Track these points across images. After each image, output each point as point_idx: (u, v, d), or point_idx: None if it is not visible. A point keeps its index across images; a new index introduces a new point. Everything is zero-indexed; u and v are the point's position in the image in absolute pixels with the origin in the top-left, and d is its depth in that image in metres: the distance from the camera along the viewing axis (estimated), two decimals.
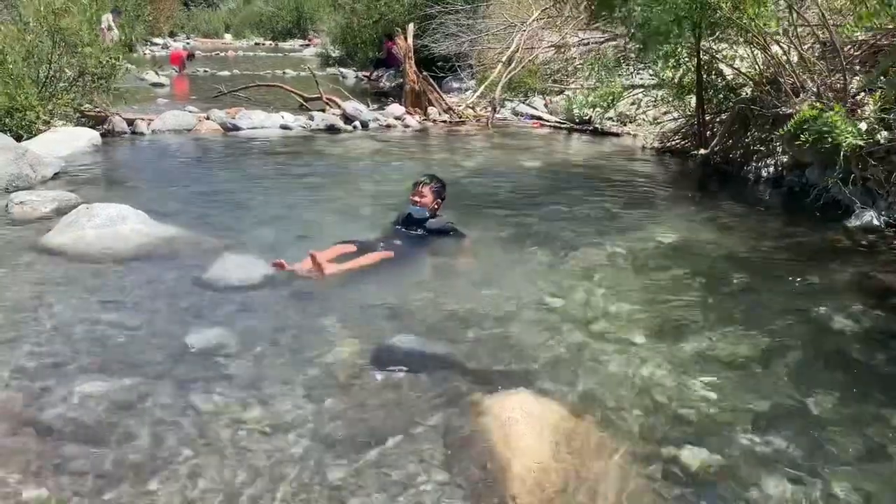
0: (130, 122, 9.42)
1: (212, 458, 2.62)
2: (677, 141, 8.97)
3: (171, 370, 3.20)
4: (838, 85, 6.21)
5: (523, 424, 2.77)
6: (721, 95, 7.94)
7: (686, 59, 7.84)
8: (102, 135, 8.68)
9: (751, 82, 7.49)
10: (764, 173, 7.48)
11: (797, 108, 6.10)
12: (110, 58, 9.07)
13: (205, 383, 3.10)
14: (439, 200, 5.14)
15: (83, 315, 3.73)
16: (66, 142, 7.89)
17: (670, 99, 8.68)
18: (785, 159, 7.24)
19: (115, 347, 3.40)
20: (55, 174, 6.68)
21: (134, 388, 3.04)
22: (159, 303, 3.95)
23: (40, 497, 2.38)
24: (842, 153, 5.54)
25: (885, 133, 5.67)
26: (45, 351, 3.31)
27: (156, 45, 27.97)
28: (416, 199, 5.04)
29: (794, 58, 6.75)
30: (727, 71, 7.90)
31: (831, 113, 5.47)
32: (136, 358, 3.30)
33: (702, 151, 7.83)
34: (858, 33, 6.28)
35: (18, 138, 7.30)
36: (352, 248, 4.59)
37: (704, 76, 7.74)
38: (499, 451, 2.63)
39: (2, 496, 2.37)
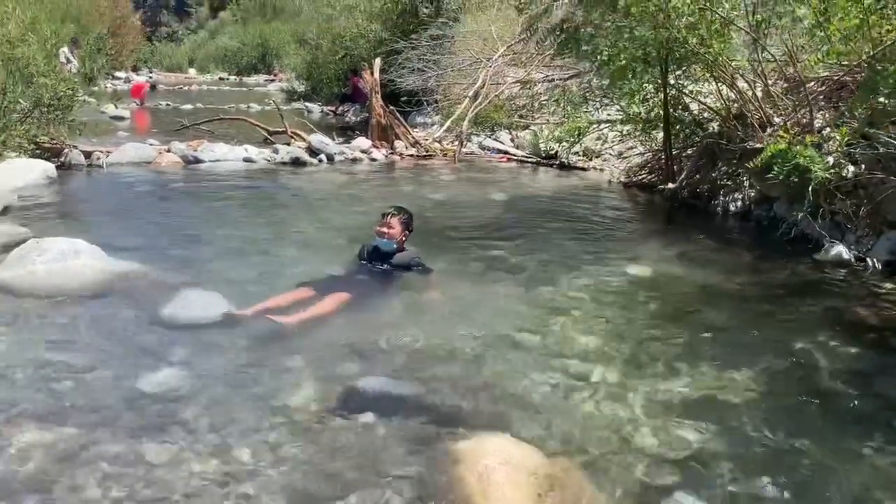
0: (88, 155, 9.15)
1: None
2: (644, 175, 8.99)
3: (122, 416, 2.98)
4: (804, 120, 6.26)
5: (501, 473, 2.60)
6: (688, 130, 7.98)
7: (653, 93, 7.88)
8: (58, 167, 8.40)
9: (717, 117, 7.54)
10: (732, 207, 7.50)
11: (765, 142, 6.12)
12: (68, 89, 8.82)
13: (158, 431, 2.88)
14: (406, 233, 4.99)
15: (28, 356, 3.48)
16: (18, 174, 7.59)
17: (637, 133, 8.72)
18: (752, 193, 7.27)
19: (62, 392, 3.16)
20: (5, 208, 6.39)
21: (81, 437, 2.81)
22: (112, 342, 3.72)
23: None
24: (810, 187, 5.55)
25: (851, 167, 5.71)
26: None
27: (118, 78, 27.60)
28: (385, 230, 4.88)
29: (760, 93, 6.81)
30: (694, 106, 7.96)
31: (800, 147, 5.49)
32: (84, 403, 3.06)
33: (669, 185, 7.83)
34: (821, 70, 6.36)
35: None
36: (310, 292, 4.37)
37: (671, 111, 7.78)
38: (475, 502, 2.45)
39: None
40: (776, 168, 5.64)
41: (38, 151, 8.75)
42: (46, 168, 8.06)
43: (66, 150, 8.99)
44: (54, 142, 9.01)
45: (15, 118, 8.48)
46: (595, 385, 3.52)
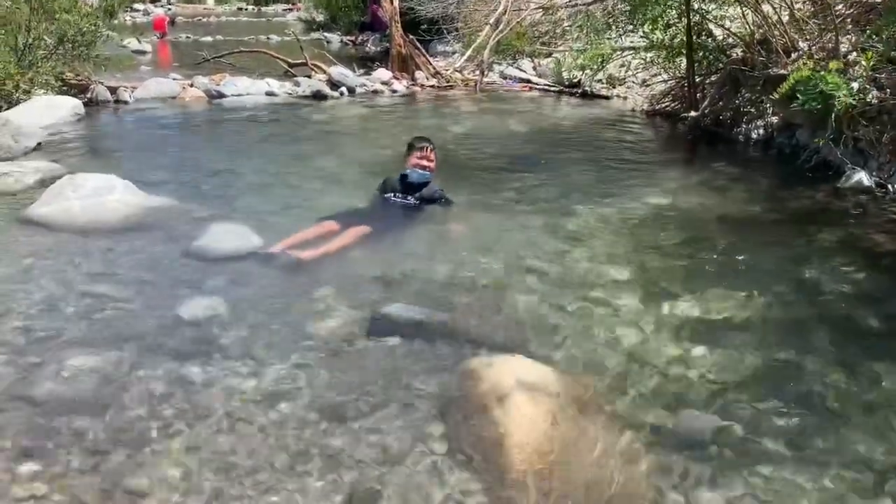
0: (113, 91, 9.26)
1: (206, 430, 2.60)
2: (667, 103, 8.91)
3: (163, 342, 3.17)
4: (830, 45, 6.16)
5: (520, 392, 2.75)
6: (711, 57, 7.87)
7: (676, 19, 7.75)
8: (85, 103, 8.53)
9: (741, 43, 7.42)
10: (754, 135, 7.46)
11: (789, 68, 6.05)
12: (91, 24, 8.85)
13: (197, 354, 3.07)
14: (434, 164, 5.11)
15: (71, 288, 3.67)
16: (47, 111, 7.74)
17: (660, 61, 8.60)
18: (775, 120, 7.21)
19: (105, 320, 3.36)
20: (38, 144, 6.55)
21: (125, 361, 3.00)
22: (149, 274, 3.90)
23: (34, 472, 2.35)
24: (833, 114, 5.51)
25: (876, 93, 5.64)
26: (34, 325, 3.26)
27: (137, 11, 27.40)
28: (425, 163, 4.99)
29: (786, 17, 6.68)
30: (717, 32, 7.82)
31: (824, 74, 5.42)
32: (127, 330, 3.26)
33: (692, 114, 7.77)
34: None
35: None
36: (333, 226, 4.46)
37: (694, 37, 7.65)
38: (496, 419, 2.61)
39: None
40: (799, 95, 5.60)
41: (64, 88, 8.87)
42: (74, 105, 8.19)
43: (92, 87, 9.09)
44: (80, 78, 9.11)
45: (41, 55, 8.57)
46: (614, 310, 3.64)
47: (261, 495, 2.30)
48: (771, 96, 6.04)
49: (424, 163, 4.96)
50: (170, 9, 30.27)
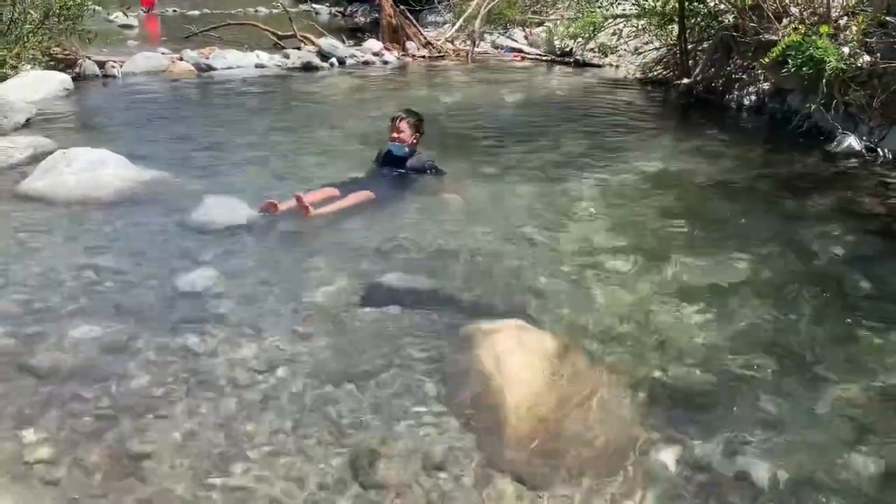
0: (102, 65, 9.18)
1: (208, 396, 2.64)
2: (659, 71, 8.91)
3: (162, 313, 3.20)
4: (821, 9, 6.15)
5: (516, 355, 2.80)
6: (703, 23, 7.85)
7: None
8: (73, 78, 8.46)
9: (733, 9, 7.39)
10: (746, 101, 7.48)
11: (780, 34, 6.05)
12: None
13: (196, 324, 3.10)
14: (417, 135, 5.06)
15: (69, 261, 3.68)
16: (36, 86, 7.67)
17: (652, 28, 8.57)
18: (766, 86, 7.22)
19: (104, 292, 3.38)
20: (27, 120, 6.51)
21: (126, 331, 3.03)
22: (145, 246, 3.92)
23: (39, 439, 2.39)
24: (824, 79, 5.53)
25: (866, 57, 5.66)
26: (33, 297, 3.27)
27: None
28: (395, 135, 4.98)
29: None
30: None
31: (815, 38, 5.43)
32: (126, 302, 3.28)
33: (684, 81, 7.77)
34: None
35: None
36: (334, 191, 4.54)
37: (686, 4, 7.63)
38: (493, 382, 2.66)
39: (2, 438, 2.38)
40: (790, 60, 5.61)
41: (52, 63, 8.79)
42: (63, 79, 8.12)
43: (79, 61, 9.01)
44: (67, 53, 9.01)
45: (27, 30, 8.47)
46: (608, 275, 3.69)
47: (263, 458, 2.34)
48: (762, 62, 6.04)
49: (394, 134, 4.97)
50: None
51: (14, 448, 2.33)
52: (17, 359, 2.80)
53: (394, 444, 2.44)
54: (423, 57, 11.33)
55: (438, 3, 13.85)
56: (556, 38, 10.52)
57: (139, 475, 2.26)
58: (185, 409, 2.56)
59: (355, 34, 13.48)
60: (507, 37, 12.23)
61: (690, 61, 8.00)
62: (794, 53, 5.55)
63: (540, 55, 11.29)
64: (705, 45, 7.98)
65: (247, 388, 2.69)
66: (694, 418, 2.60)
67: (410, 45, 11.60)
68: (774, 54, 5.66)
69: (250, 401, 2.62)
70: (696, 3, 7.81)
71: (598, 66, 10.47)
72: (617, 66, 10.22)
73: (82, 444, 2.36)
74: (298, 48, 10.99)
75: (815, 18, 6.09)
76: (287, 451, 2.38)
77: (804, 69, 5.57)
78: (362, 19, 17.27)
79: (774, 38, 6.09)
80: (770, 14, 6.40)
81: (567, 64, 10.66)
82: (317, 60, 10.41)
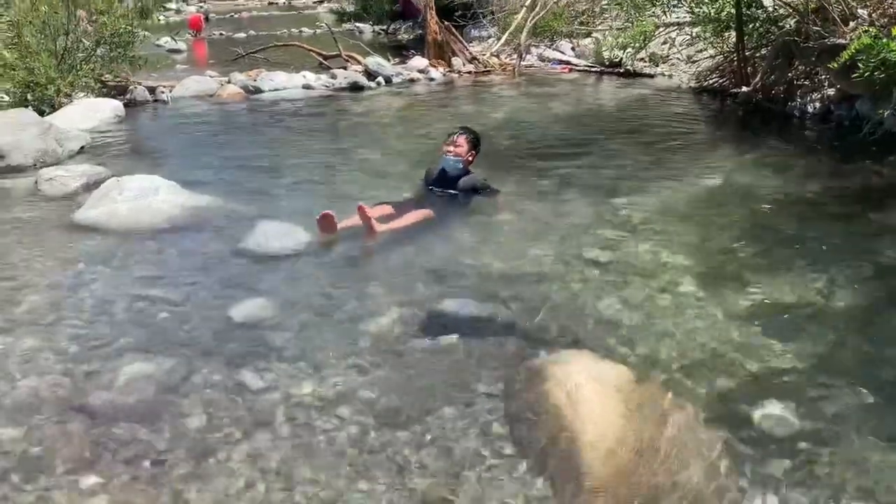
0: (152, 91, 9.29)
1: (266, 437, 2.52)
2: (715, 79, 8.63)
3: (217, 346, 3.10)
4: (892, 10, 5.85)
5: (589, 389, 2.62)
6: (762, 29, 7.56)
7: None
8: (125, 104, 8.56)
9: (794, 13, 7.10)
10: (810, 108, 7.17)
11: (848, 37, 5.76)
12: (127, 24, 8.86)
13: (252, 358, 2.99)
14: (473, 153, 4.93)
15: (122, 292, 3.62)
16: (89, 114, 7.77)
17: (707, 35, 8.31)
18: (832, 92, 6.90)
19: (158, 324, 3.30)
20: (81, 147, 6.57)
21: (181, 367, 2.93)
22: (198, 275, 3.85)
23: (96, 484, 2.29)
24: None
25: None
26: (87, 332, 3.21)
27: (169, 10, 27.65)
28: (451, 148, 4.83)
29: None
30: (768, 2, 7.51)
31: (888, 41, 5.14)
32: (181, 335, 3.20)
33: (743, 89, 7.49)
34: None
35: (41, 113, 7.19)
36: (389, 209, 4.43)
37: (744, 9, 7.36)
38: (566, 419, 2.48)
39: (56, 485, 2.29)
40: (861, 65, 5.32)
41: (104, 90, 8.92)
42: (115, 106, 8.22)
43: (130, 87, 9.13)
44: (119, 79, 9.14)
45: (80, 58, 8.61)
46: (675, 299, 3.49)
47: None
48: (829, 66, 5.75)
49: (451, 148, 4.83)
50: (202, 6, 30.50)
51: (70, 497, 2.24)
52: (72, 398, 2.73)
53: (462, 490, 2.28)
54: (469, 72, 11.23)
55: (483, 17, 13.75)
56: (604, 48, 10.31)
57: None
58: (243, 452, 2.44)
59: (400, 52, 13.46)
60: (554, 49, 12.06)
61: (749, 68, 7.71)
62: (865, 57, 5.26)
63: (588, 66, 11.09)
64: (764, 51, 7.69)
65: (306, 429, 2.56)
66: (789, 462, 2.39)
67: (456, 61, 11.52)
68: (844, 58, 5.37)
69: (310, 443, 2.49)
70: (754, 9, 7.54)
71: (650, 76, 10.22)
72: (670, 76, 9.96)
73: (138, 492, 2.26)
74: (344, 68, 10.99)
75: (886, 20, 5.79)
76: (352, 498, 2.24)
77: (876, 73, 5.28)
78: (406, 36, 17.29)
79: (842, 41, 5.80)
80: (836, 17, 6.11)
81: (617, 75, 10.44)
82: (363, 80, 10.39)
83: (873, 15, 5.87)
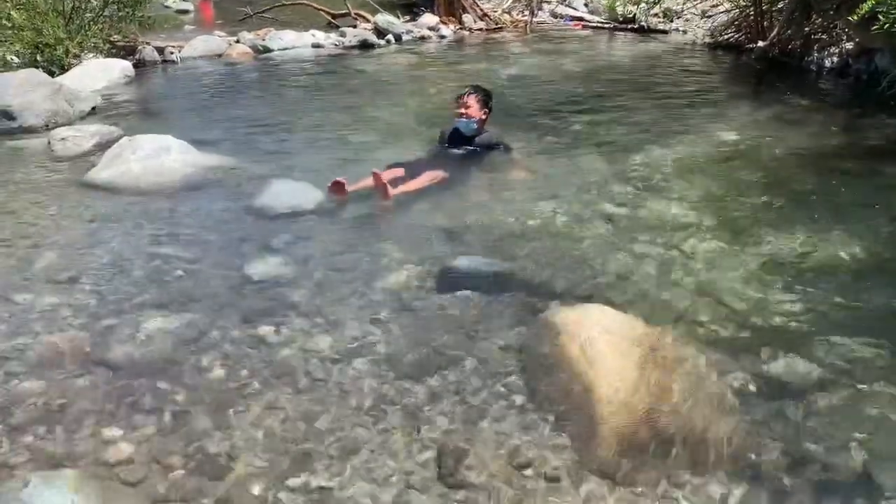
0: (161, 51, 9.21)
1: (285, 389, 2.56)
2: (731, 34, 8.48)
3: (235, 302, 3.13)
4: None
5: (603, 342, 2.63)
6: None
7: None
8: (134, 65, 8.50)
9: None
10: (827, 63, 7.06)
11: None
12: None
13: (270, 314, 3.02)
14: (486, 111, 4.88)
15: (139, 250, 3.65)
16: (99, 74, 7.72)
17: None
18: (850, 46, 6.78)
19: (175, 281, 3.33)
20: (92, 108, 6.55)
21: (198, 322, 2.97)
22: (213, 234, 3.86)
23: (118, 436, 2.34)
24: None
25: None
26: (105, 289, 3.24)
27: None
28: (461, 111, 4.78)
29: None
30: None
31: None
32: (198, 291, 3.23)
33: (759, 44, 7.37)
34: None
35: (51, 74, 7.15)
36: (401, 171, 4.40)
37: None
38: (581, 370, 2.50)
39: (80, 437, 2.33)
40: (882, 17, 5.21)
41: (113, 51, 8.85)
42: (124, 67, 8.17)
43: (139, 48, 9.05)
44: (127, 40, 9.07)
45: (88, 18, 8.54)
46: (690, 254, 3.48)
47: (343, 456, 2.25)
48: (848, 19, 5.64)
49: (462, 110, 4.77)
50: None
51: (95, 446, 2.29)
52: (93, 353, 2.77)
53: (478, 440, 2.31)
54: (481, 30, 11.08)
55: None
56: (618, 4, 10.14)
57: (218, 474, 2.19)
58: (262, 404, 2.48)
59: (410, 9, 13.25)
60: (567, 5, 11.87)
61: (765, 23, 7.57)
62: (885, 9, 5.15)
63: (602, 23, 10.91)
64: (781, 4, 7.53)
65: (324, 381, 2.59)
66: (798, 411, 2.41)
67: (467, 18, 11.35)
68: (863, 10, 5.26)
69: (328, 394, 2.52)
70: None
71: (664, 31, 10.05)
72: (684, 32, 9.79)
73: (160, 443, 2.30)
74: (354, 26, 10.86)
75: None
76: (367, 449, 2.28)
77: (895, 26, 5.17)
78: None
79: None
80: None
81: (631, 31, 10.27)
82: (373, 38, 10.26)
83: None
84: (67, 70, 7.72)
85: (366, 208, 4.09)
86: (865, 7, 5.30)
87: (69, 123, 6.00)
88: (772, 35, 7.33)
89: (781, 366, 2.65)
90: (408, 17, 11.81)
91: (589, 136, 5.47)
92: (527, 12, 11.30)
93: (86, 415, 2.43)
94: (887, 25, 5.16)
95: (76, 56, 8.06)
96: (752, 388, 2.55)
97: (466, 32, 11.02)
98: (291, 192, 4.22)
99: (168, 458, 2.24)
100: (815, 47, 7.10)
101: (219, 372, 2.66)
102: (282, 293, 3.18)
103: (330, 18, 11.97)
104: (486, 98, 4.87)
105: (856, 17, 5.48)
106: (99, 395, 2.54)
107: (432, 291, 3.20)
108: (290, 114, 6.47)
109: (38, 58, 7.68)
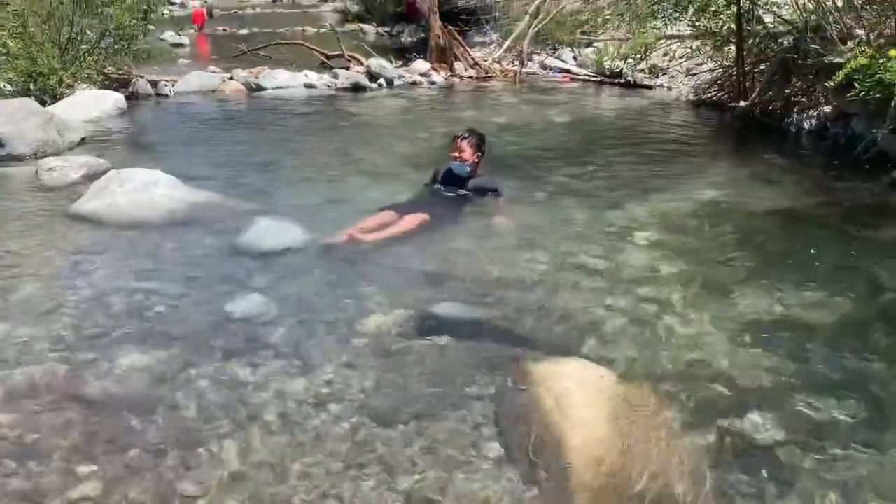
0: (154, 84, 9.32)
1: (258, 431, 2.56)
2: (714, 93, 8.69)
3: (213, 340, 3.14)
4: (889, 31, 5.92)
5: (578, 394, 2.67)
6: (762, 45, 7.64)
7: (724, 6, 7.54)
8: (127, 97, 8.59)
9: (793, 30, 7.18)
10: (806, 125, 7.23)
11: (845, 56, 5.83)
12: (132, 18, 8.89)
13: (247, 353, 3.03)
14: (479, 154, 4.97)
15: (120, 284, 3.66)
16: (91, 105, 7.81)
17: (707, 49, 8.39)
18: (828, 110, 6.97)
19: (155, 317, 3.34)
20: (82, 139, 6.60)
21: (176, 359, 2.97)
22: (196, 270, 3.88)
23: (90, 472, 2.33)
24: (893, 102, 5.29)
25: None
26: (84, 322, 3.25)
27: (174, 4, 27.66)
28: (456, 154, 4.88)
29: (840, 2, 6.45)
30: (768, 19, 7.59)
31: (884, 62, 5.21)
32: (177, 328, 3.23)
33: (741, 103, 7.56)
34: None
35: (42, 103, 7.21)
36: (391, 214, 4.45)
37: (744, 24, 7.43)
38: (554, 422, 2.53)
39: (52, 471, 2.32)
40: (857, 84, 5.39)
41: (106, 82, 8.95)
42: (117, 99, 8.25)
43: (133, 80, 9.15)
44: (121, 72, 9.17)
45: (83, 50, 8.64)
46: (667, 309, 3.53)
47: (317, 501, 2.24)
48: (826, 85, 5.82)
49: (455, 153, 4.89)
50: (206, 1, 30.51)
51: (64, 482, 2.27)
52: (69, 387, 2.76)
53: (450, 488, 2.32)
54: (471, 78, 11.29)
55: (486, 23, 13.82)
56: (605, 58, 10.39)
57: None
58: (235, 445, 2.48)
59: (402, 54, 13.51)
60: (556, 57, 12.13)
61: (747, 83, 7.78)
62: (861, 77, 5.33)
63: (589, 76, 11.15)
64: (763, 66, 7.76)
65: (297, 425, 2.60)
66: (771, 471, 2.43)
67: (458, 66, 11.57)
68: (840, 77, 5.44)
69: (301, 439, 2.53)
70: (754, 24, 7.62)
71: (649, 87, 10.29)
72: (669, 88, 10.03)
73: (130, 481, 2.29)
74: (346, 68, 11.04)
75: (883, 41, 5.85)
76: (338, 495, 2.28)
77: (871, 93, 5.35)
78: (409, 39, 17.33)
79: (839, 60, 5.87)
80: (833, 35, 6.18)
81: (617, 85, 10.50)
82: (365, 81, 10.43)
83: (870, 35, 5.93)
84: (60, 100, 7.78)
85: (351, 250, 4.13)
86: (842, 74, 5.48)
87: (58, 153, 6.05)
88: (753, 96, 7.53)
89: (751, 424, 2.68)
90: (400, 63, 12.02)
91: (572, 186, 5.56)
92: (517, 63, 11.53)
93: (58, 449, 2.42)
94: (863, 93, 5.33)
95: (69, 86, 8.15)
96: (721, 444, 2.57)
97: (457, 80, 11.22)
98: (276, 231, 4.26)
99: (136, 496, 2.23)
100: (795, 109, 7.30)
101: (192, 411, 2.65)
102: (261, 333, 3.19)
103: (324, 59, 12.17)
104: (479, 142, 4.99)
105: (833, 84, 5.66)
106: (72, 430, 2.53)
107: (411, 336, 3.22)
108: (279, 152, 6.54)
109: (31, 86, 7.75)
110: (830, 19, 6.36)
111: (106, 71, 9.02)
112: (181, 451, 2.44)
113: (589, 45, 11.92)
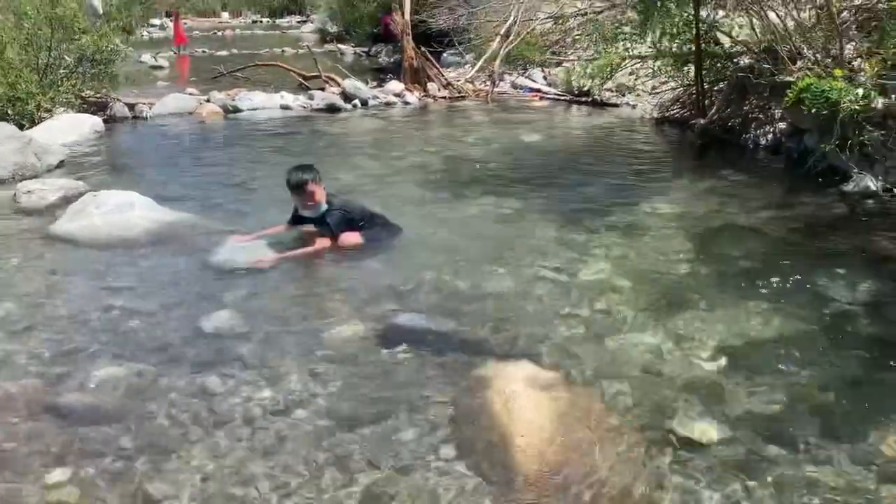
0: (132, 107, 9.46)
1: (226, 437, 2.73)
2: (676, 111, 8.99)
3: (186, 353, 3.31)
4: (834, 52, 6.22)
5: (524, 397, 2.86)
6: (719, 65, 7.95)
7: (684, 28, 7.84)
8: (105, 120, 8.74)
9: (748, 51, 7.49)
10: (762, 141, 7.51)
11: (795, 75, 6.12)
12: (109, 43, 9.05)
13: (217, 365, 3.20)
14: (320, 185, 4.58)
15: (96, 301, 3.82)
16: (69, 129, 7.95)
17: (668, 69, 8.69)
18: (783, 126, 7.26)
19: (129, 332, 3.50)
20: (60, 162, 6.74)
21: (148, 372, 3.14)
22: (170, 288, 4.05)
23: (63, 478, 2.48)
24: (839, 119, 5.57)
25: (880, 99, 5.69)
26: (60, 338, 3.41)
27: (153, 26, 27.82)
28: (310, 203, 4.54)
29: (791, 24, 6.75)
30: (725, 40, 7.90)
31: (830, 80, 5.49)
32: (151, 343, 3.40)
33: (701, 121, 7.84)
34: None
35: (21, 127, 7.35)
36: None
37: (703, 45, 7.74)
38: (502, 424, 2.72)
39: (26, 479, 2.47)
40: (807, 102, 5.67)
41: (84, 106, 9.09)
42: (94, 122, 8.40)
43: (110, 104, 9.30)
44: (99, 96, 9.32)
45: (61, 74, 8.79)
46: (620, 319, 3.71)
47: (279, 500, 2.41)
48: (779, 99, 6.10)
49: (310, 203, 4.54)
50: (185, 23, 30.66)
51: (38, 490, 2.42)
52: (44, 399, 2.92)
53: (404, 486, 2.49)
54: (444, 97, 11.54)
55: (459, 44, 14.11)
56: (574, 78, 10.69)
57: None
58: (204, 450, 2.64)
59: (378, 74, 13.75)
60: (526, 77, 12.43)
61: (707, 101, 8.08)
62: (809, 95, 5.61)
63: (558, 95, 11.44)
64: (721, 85, 8.07)
65: (263, 430, 2.77)
66: (708, 472, 2.58)
67: (431, 86, 11.82)
68: (790, 96, 5.72)
69: (267, 443, 2.70)
70: (712, 45, 7.93)
71: (616, 105, 10.58)
72: (634, 106, 10.33)
73: (104, 486, 2.45)
74: (323, 89, 11.25)
75: (830, 60, 6.16)
76: (301, 492, 2.45)
77: (819, 110, 5.62)
78: (386, 59, 17.60)
79: (790, 79, 6.16)
80: (784, 56, 6.48)
81: (585, 103, 10.79)
82: (340, 102, 10.65)
83: (818, 55, 6.23)
84: (37, 124, 7.91)
85: (316, 265, 4.31)
86: (791, 95, 5.75)
87: (36, 176, 6.19)
88: (712, 113, 7.82)
89: (691, 425, 2.83)
90: (375, 83, 12.25)
91: (537, 203, 5.75)
92: (488, 82, 11.80)
93: (33, 458, 2.57)
94: (812, 110, 5.61)
95: (47, 110, 8.28)
96: (661, 443, 2.73)
97: (431, 100, 11.46)
98: (248, 249, 4.43)
99: (111, 500, 2.38)
100: (752, 125, 7.58)
101: (163, 419, 2.82)
102: (231, 346, 3.37)
103: (301, 80, 12.36)
104: (315, 175, 4.58)
105: (787, 102, 5.94)
106: (47, 440, 2.68)
107: (373, 346, 3.41)
108: (253, 173, 6.71)
109: (10, 111, 7.87)
110: (781, 41, 6.65)
111: (84, 95, 9.16)
112: (152, 457, 2.60)
113: (558, 64, 12.22)
